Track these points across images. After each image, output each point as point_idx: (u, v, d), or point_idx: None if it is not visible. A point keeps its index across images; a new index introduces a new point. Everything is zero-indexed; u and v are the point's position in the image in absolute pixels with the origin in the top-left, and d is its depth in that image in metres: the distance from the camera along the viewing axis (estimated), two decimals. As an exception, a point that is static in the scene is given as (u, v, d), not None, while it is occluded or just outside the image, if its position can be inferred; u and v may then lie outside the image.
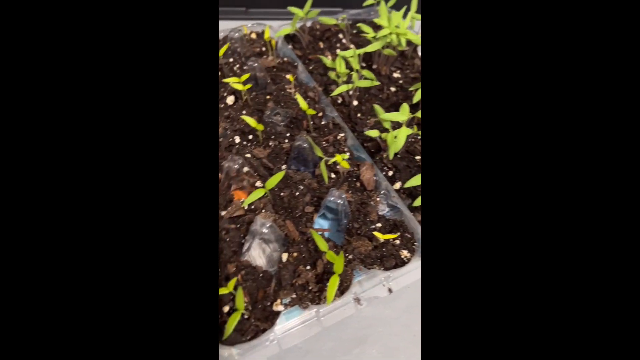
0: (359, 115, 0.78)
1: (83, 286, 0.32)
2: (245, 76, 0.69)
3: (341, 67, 0.69)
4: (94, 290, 0.32)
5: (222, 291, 0.50)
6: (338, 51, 0.72)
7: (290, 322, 0.52)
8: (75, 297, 0.32)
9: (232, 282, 0.49)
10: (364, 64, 0.83)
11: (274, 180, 0.56)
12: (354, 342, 0.59)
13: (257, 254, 0.56)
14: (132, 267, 0.32)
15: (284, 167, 0.66)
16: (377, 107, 0.67)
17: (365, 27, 0.78)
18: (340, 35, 0.97)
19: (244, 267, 0.56)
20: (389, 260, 0.57)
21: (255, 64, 0.74)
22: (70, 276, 0.32)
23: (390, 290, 0.55)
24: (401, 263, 0.58)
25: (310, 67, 0.88)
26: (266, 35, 0.80)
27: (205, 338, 0.33)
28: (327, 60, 0.74)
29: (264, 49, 0.90)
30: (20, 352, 0.30)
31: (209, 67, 0.37)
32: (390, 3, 0.91)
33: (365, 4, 0.95)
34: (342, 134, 0.72)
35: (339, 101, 0.82)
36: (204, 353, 0.32)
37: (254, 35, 0.94)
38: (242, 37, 0.85)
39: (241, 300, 0.48)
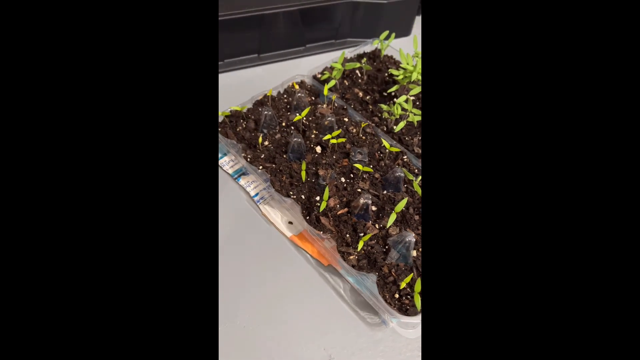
0: (406, 138, 1.06)
1: (83, 284, 0.33)
2: (336, 132, 0.93)
3: (397, 110, 0.96)
4: (95, 290, 0.34)
5: (402, 285, 0.77)
6: (395, 100, 0.98)
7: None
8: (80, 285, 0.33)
9: (407, 278, 0.77)
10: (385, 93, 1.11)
11: (400, 205, 0.83)
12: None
13: (400, 256, 0.84)
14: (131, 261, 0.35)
15: (385, 192, 0.93)
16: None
17: (394, 71, 1.05)
18: (358, 73, 1.23)
19: (393, 266, 0.83)
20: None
21: (333, 119, 0.98)
22: (75, 267, 0.33)
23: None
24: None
25: (352, 106, 1.14)
26: (325, 91, 1.03)
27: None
28: (385, 106, 1.01)
29: (313, 98, 1.13)
30: (20, 352, 0.31)
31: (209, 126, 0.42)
32: (390, 40, 1.19)
33: (374, 43, 1.21)
34: (405, 157, 1.00)
35: (384, 129, 1.09)
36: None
37: (296, 86, 1.16)
38: (301, 92, 1.07)
39: (419, 285, 0.75)
